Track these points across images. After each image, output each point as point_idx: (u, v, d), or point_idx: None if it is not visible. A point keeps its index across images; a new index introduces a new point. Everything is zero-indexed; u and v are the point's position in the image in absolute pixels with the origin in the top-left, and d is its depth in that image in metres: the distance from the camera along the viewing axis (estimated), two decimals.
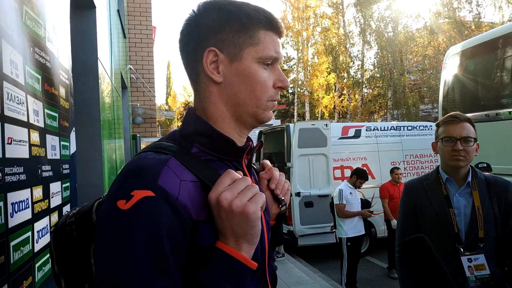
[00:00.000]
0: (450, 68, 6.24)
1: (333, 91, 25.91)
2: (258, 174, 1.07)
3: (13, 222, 1.36)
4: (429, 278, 1.77)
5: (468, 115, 2.09)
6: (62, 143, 2.04)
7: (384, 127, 8.33)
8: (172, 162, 0.80)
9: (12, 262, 1.33)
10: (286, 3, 26.03)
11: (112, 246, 0.72)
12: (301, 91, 27.01)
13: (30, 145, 1.54)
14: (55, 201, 1.90)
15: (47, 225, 1.75)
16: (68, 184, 2.15)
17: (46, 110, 1.77)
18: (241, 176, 0.81)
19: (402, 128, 8.42)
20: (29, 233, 1.53)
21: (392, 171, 6.72)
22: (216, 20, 0.86)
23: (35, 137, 1.61)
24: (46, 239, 1.72)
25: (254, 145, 0.98)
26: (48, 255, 1.75)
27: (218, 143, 0.87)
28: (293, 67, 28.34)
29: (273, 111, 0.95)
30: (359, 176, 5.62)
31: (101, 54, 3.78)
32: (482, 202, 1.94)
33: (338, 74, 23.88)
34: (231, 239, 0.78)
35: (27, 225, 1.50)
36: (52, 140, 1.86)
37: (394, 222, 6.31)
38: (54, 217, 1.87)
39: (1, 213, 1.26)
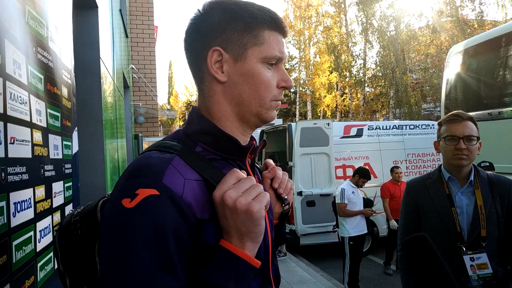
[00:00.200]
0: (453, 67, 6.23)
1: (335, 90, 25.91)
2: (261, 173, 1.08)
3: (15, 221, 1.36)
4: (431, 277, 1.77)
5: (471, 114, 2.08)
6: (64, 142, 2.04)
7: (386, 126, 8.32)
8: (176, 161, 0.80)
9: (14, 261, 1.34)
10: (288, 2, 26.05)
11: (117, 244, 0.72)
12: (303, 90, 27.01)
13: (33, 145, 1.54)
14: (58, 200, 1.90)
15: (49, 224, 1.75)
16: (70, 183, 2.16)
17: (48, 110, 1.78)
18: (245, 175, 0.82)
19: (404, 127, 8.41)
20: (32, 233, 1.53)
21: (392, 170, 6.72)
22: (221, 19, 0.87)
23: (38, 136, 1.61)
24: (48, 239, 1.72)
25: (258, 144, 0.98)
26: (50, 254, 1.76)
27: (222, 142, 0.87)
28: (295, 66, 28.35)
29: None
30: (362, 175, 5.62)
31: (103, 53, 3.78)
32: (485, 201, 1.93)
33: (340, 73, 23.86)
34: (235, 238, 0.78)
35: (30, 224, 1.50)
36: (54, 140, 1.86)
37: (392, 223, 6.34)
38: (57, 216, 1.87)
39: (3, 212, 1.26)
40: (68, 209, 2.08)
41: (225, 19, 0.86)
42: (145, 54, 12.39)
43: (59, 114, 1.95)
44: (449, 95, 6.29)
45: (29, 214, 1.50)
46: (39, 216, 1.61)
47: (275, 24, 0.89)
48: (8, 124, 1.30)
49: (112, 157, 4.46)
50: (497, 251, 1.93)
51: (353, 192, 5.56)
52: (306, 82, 26.11)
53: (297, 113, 27.58)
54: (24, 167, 1.44)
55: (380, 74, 22.68)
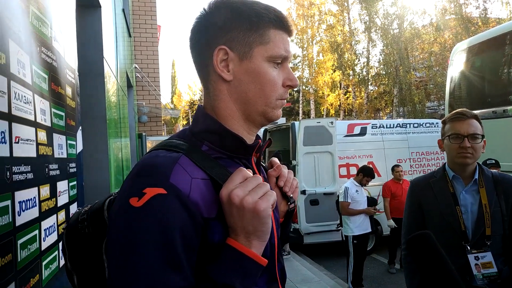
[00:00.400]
0: (457, 65, 6.20)
1: (339, 88, 25.86)
2: (266, 172, 1.08)
3: (20, 220, 1.37)
4: (435, 275, 1.76)
5: (475, 112, 2.07)
6: (68, 142, 2.05)
7: (390, 125, 8.30)
8: (183, 160, 0.80)
9: (19, 260, 1.34)
10: (291, 0, 26.02)
11: (124, 243, 0.73)
12: (306, 88, 26.98)
13: (38, 144, 1.55)
14: (62, 199, 1.91)
15: (54, 223, 1.76)
16: (75, 182, 2.17)
17: (53, 109, 1.78)
18: (252, 174, 0.82)
19: (408, 125, 8.39)
20: (36, 231, 1.54)
21: (393, 169, 6.72)
22: (226, 18, 0.87)
23: (42, 136, 1.62)
24: (53, 238, 1.73)
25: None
26: (55, 253, 1.77)
27: (227, 141, 0.87)
28: (298, 65, 28.30)
29: None
30: (366, 174, 5.61)
31: (107, 53, 3.79)
32: (489, 199, 1.92)
33: (343, 71, 23.81)
34: (242, 236, 0.79)
35: (34, 223, 1.51)
36: (59, 139, 1.87)
37: (390, 222, 6.37)
38: (61, 215, 1.88)
39: (8, 211, 1.27)
40: (73, 208, 2.09)
41: (230, 18, 0.86)
42: (148, 53, 12.42)
43: (63, 114, 1.96)
44: (453, 93, 6.27)
45: (34, 213, 1.50)
46: (43, 215, 1.62)
47: (281, 23, 0.89)
48: (13, 124, 1.31)
49: (116, 156, 4.47)
50: (502, 250, 1.92)
51: (356, 191, 5.54)
52: (309, 80, 26.07)
53: (300, 111, 27.55)
54: (29, 166, 1.44)
55: (384, 73, 22.62)
